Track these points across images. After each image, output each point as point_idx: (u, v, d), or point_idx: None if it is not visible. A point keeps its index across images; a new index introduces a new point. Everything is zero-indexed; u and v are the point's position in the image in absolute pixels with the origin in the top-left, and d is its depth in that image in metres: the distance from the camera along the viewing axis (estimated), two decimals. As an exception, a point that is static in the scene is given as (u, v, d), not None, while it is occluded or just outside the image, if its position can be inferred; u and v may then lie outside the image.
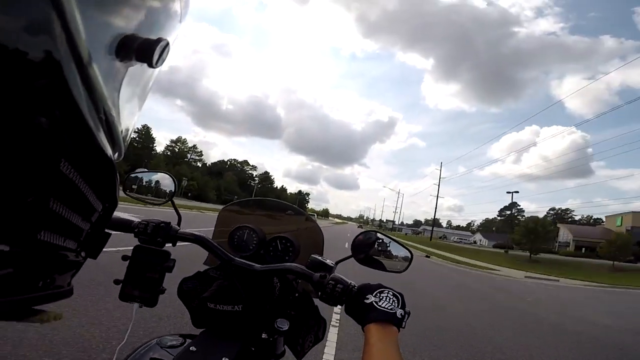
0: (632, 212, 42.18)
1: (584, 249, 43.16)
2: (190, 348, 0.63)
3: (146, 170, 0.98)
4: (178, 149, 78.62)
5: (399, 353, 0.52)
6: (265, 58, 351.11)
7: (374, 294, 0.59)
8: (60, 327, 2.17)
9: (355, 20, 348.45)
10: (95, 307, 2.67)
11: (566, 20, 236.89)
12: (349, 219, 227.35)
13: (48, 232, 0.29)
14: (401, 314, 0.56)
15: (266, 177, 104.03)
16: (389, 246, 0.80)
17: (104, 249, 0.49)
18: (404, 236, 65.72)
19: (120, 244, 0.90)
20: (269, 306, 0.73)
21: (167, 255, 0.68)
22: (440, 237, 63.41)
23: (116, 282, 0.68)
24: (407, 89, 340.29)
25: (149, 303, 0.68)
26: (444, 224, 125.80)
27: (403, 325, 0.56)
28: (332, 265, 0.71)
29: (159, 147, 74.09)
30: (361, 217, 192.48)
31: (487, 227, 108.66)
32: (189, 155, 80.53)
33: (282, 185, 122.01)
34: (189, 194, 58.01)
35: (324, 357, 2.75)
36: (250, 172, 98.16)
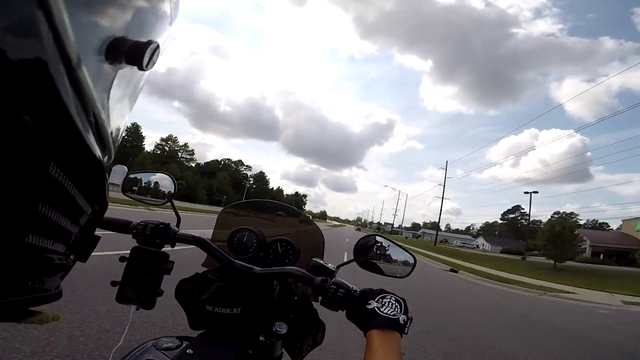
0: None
1: (601, 255, 39.41)
2: (187, 351, 0.62)
3: (145, 170, 0.97)
4: (168, 148, 74.61)
5: (401, 359, 0.52)
6: (262, 60, 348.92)
7: (376, 300, 0.59)
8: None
9: (352, 21, 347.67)
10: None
11: (565, 21, 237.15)
12: (347, 221, 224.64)
13: (36, 236, 0.29)
14: (404, 319, 0.56)
15: (261, 178, 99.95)
16: (387, 250, 0.80)
17: (104, 252, 0.44)
18: (404, 240, 62.45)
19: (124, 247, 0.84)
20: (268, 309, 0.72)
21: (166, 257, 0.67)
22: (441, 241, 59.51)
23: (113, 283, 0.67)
24: (405, 91, 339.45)
25: (146, 305, 0.67)
26: (443, 227, 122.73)
27: (406, 331, 0.56)
28: (334, 269, 0.71)
29: (150, 145, 70.28)
30: (359, 219, 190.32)
31: (488, 230, 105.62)
32: (179, 154, 76.56)
33: (279, 187, 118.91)
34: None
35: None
36: (244, 172, 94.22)
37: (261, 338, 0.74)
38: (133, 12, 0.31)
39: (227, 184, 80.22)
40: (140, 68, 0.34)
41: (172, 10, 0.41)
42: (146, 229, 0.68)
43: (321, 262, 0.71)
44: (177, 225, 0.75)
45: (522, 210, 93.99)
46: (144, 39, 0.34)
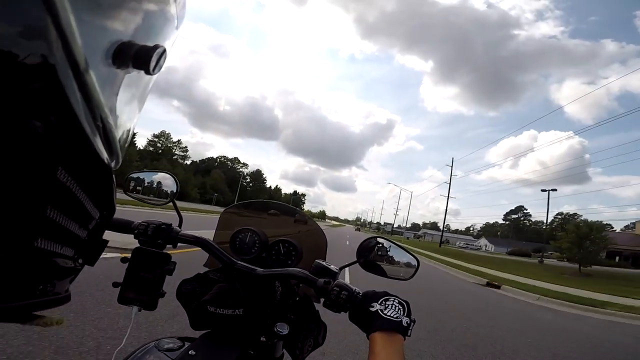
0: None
1: (617, 258, 36.97)
2: (190, 352, 0.62)
3: (147, 170, 0.98)
4: (161, 144, 71.34)
5: None
6: (262, 59, 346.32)
7: (379, 302, 0.59)
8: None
9: (353, 21, 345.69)
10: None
11: (567, 23, 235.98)
12: (346, 221, 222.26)
13: (45, 240, 0.29)
14: (407, 322, 0.56)
15: (258, 176, 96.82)
16: (389, 251, 0.79)
17: (104, 252, 0.48)
18: (406, 241, 59.30)
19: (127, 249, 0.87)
20: (269, 310, 0.73)
21: (168, 257, 0.68)
22: (443, 242, 56.57)
23: (115, 284, 0.67)
24: (406, 92, 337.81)
25: (149, 306, 0.67)
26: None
27: (409, 334, 0.56)
28: (337, 271, 0.71)
29: (142, 141, 67.14)
30: (358, 219, 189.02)
31: (489, 231, 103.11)
32: (174, 151, 73.36)
33: (277, 186, 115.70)
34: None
35: None
36: (240, 170, 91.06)
37: (262, 338, 0.75)
38: (140, 17, 0.31)
39: (222, 181, 78.17)
40: (147, 72, 0.34)
41: (179, 14, 0.41)
42: (148, 229, 0.69)
43: (324, 263, 0.71)
44: (180, 225, 0.75)
45: (525, 211, 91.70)
46: (150, 43, 0.34)
